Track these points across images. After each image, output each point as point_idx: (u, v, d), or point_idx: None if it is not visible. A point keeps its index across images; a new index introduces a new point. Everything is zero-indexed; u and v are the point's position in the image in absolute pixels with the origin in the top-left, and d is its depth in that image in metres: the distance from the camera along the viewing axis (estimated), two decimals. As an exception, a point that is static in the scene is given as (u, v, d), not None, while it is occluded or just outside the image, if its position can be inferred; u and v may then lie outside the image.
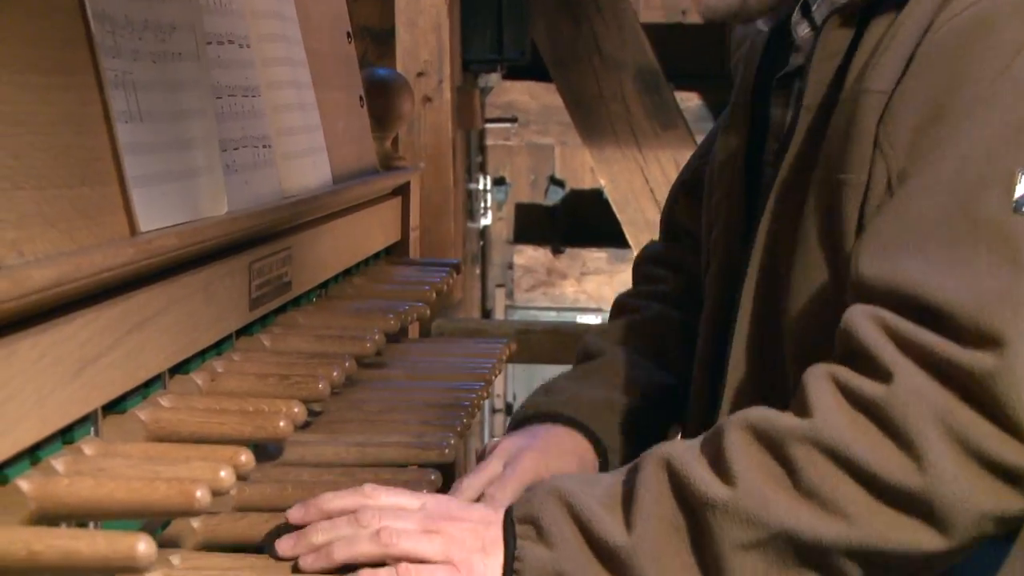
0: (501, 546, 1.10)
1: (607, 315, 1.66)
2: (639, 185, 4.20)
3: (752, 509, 1.05)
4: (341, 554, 1.08)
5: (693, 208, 1.60)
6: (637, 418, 1.46)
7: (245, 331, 1.38)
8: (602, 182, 4.50)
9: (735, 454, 1.07)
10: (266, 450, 1.31)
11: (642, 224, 4.24)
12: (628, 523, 1.08)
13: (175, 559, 1.09)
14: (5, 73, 0.96)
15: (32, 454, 0.92)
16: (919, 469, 1.02)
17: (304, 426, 1.36)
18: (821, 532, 1.04)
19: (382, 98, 2.03)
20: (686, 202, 1.64)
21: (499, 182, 5.55)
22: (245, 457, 1.01)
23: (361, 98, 1.96)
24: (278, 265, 1.44)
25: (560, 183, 5.77)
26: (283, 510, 1.21)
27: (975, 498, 1.02)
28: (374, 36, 3.24)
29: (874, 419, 1.04)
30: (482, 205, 4.71)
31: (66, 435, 0.97)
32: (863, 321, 1.07)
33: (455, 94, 3.26)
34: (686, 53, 5.11)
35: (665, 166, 4.20)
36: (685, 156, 4.35)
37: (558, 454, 1.39)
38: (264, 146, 1.47)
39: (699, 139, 4.31)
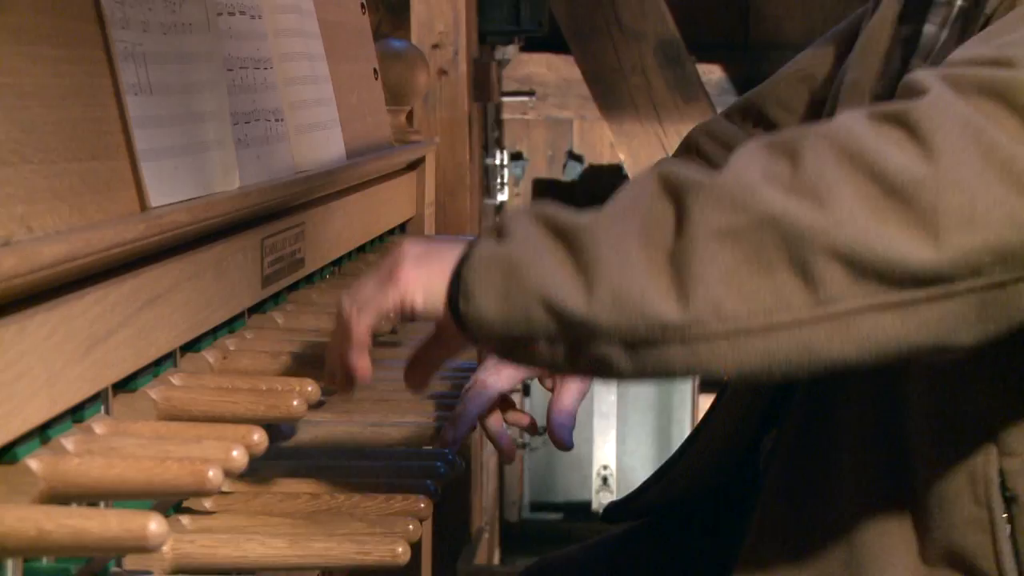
0: (464, 247, 1.04)
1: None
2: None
3: (740, 192, 0.96)
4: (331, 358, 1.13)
5: (798, 95, 1.49)
6: None
7: (257, 309, 1.38)
8: (622, 157, 4.49)
9: (744, 154, 0.99)
10: (279, 430, 1.32)
11: (662, 200, 4.23)
12: (597, 213, 1.00)
13: (185, 520, 1.10)
14: (14, 45, 0.96)
15: (42, 433, 0.92)
16: (928, 159, 0.94)
17: (317, 405, 1.37)
18: (807, 223, 0.94)
19: (397, 71, 2.02)
20: (797, 87, 1.51)
21: (516, 157, 5.54)
22: (258, 436, 1.01)
23: (375, 71, 1.96)
24: (291, 241, 1.44)
25: (579, 158, 5.76)
26: (295, 490, 1.22)
27: (983, 204, 0.93)
28: (389, 7, 3.24)
29: (895, 122, 0.97)
30: (499, 181, 4.70)
31: (76, 413, 0.98)
32: (927, 74, 1.00)
33: (471, 67, 3.25)
34: (708, 24, 5.09)
35: (686, 141, 4.19)
36: (707, 130, 4.32)
37: None
38: (276, 119, 1.47)
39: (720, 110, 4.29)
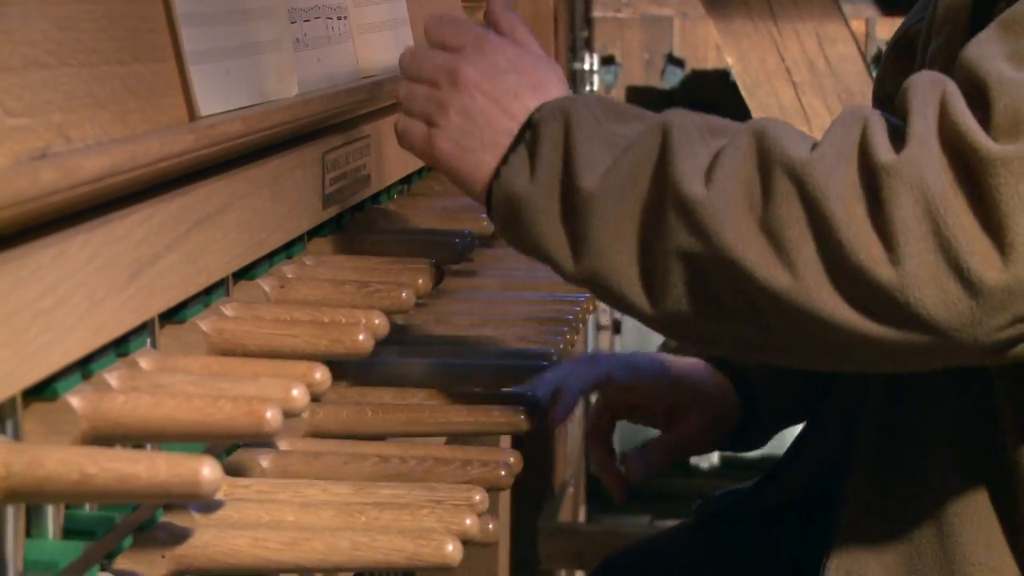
0: (509, 139, 1.21)
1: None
2: (773, 64, 4.15)
3: (710, 222, 1.09)
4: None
5: (901, 77, 1.54)
6: None
7: (318, 231, 1.40)
8: (729, 61, 4.44)
9: (729, 158, 1.11)
10: (342, 367, 1.34)
11: (776, 111, 4.19)
12: (604, 173, 1.15)
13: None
14: (48, -67, 0.97)
15: (83, 367, 0.95)
16: (890, 260, 1.04)
17: (385, 341, 1.38)
18: (763, 273, 1.08)
19: (473, -38, 2.02)
20: (894, 68, 1.56)
21: (608, 61, 5.51)
22: (320, 374, 1.03)
23: (449, -38, 1.96)
24: (355, 156, 1.45)
25: (679, 62, 5.71)
26: (361, 438, 1.24)
27: (923, 293, 1.04)
28: None
29: (867, 185, 1.06)
30: (588, 88, 4.68)
31: (120, 346, 1.00)
32: (923, 82, 1.10)
33: (557, -44, 3.23)
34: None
35: (805, 41, 4.14)
36: (829, 30, 4.30)
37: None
38: (339, 17, 1.48)
39: (846, 8, 4.23)
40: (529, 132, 1.19)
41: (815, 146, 1.09)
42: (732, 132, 1.14)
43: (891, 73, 1.56)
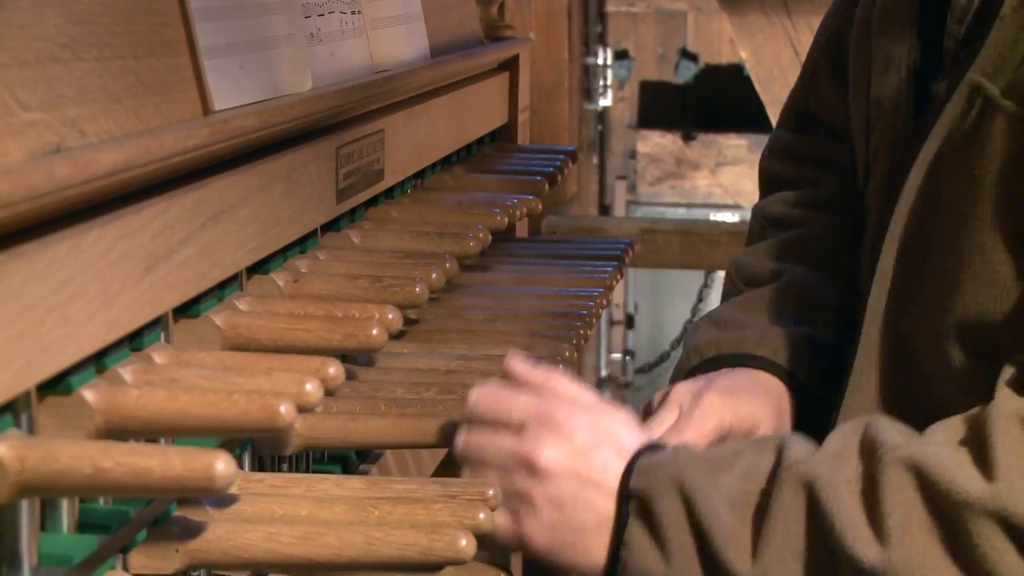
0: (611, 525, 1.12)
1: (746, 212, 1.63)
2: (787, 59, 4.14)
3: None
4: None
5: (834, 88, 1.49)
6: (837, 356, 1.37)
7: (331, 226, 1.40)
8: (743, 56, 4.44)
9: (893, 505, 1.04)
10: (355, 362, 1.34)
11: (790, 106, 4.18)
12: (755, 550, 1.07)
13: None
14: (63, -73, 0.98)
15: (97, 361, 0.95)
16: None
17: (398, 335, 1.39)
18: None
19: (487, -44, 2.02)
20: (828, 78, 1.51)
21: (621, 56, 5.51)
22: (334, 369, 1.03)
23: (463, -44, 1.96)
24: (369, 151, 1.46)
25: (693, 57, 5.70)
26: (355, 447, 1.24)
27: None
28: None
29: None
30: (601, 83, 4.68)
31: (134, 341, 1.00)
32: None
33: (571, -49, 3.23)
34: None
35: (819, 37, 4.13)
36: (843, 25, 4.26)
37: (750, 396, 1.33)
38: (353, 12, 1.48)
39: (860, 5, 4.22)
40: (638, 507, 1.11)
41: (985, 468, 1.03)
42: (856, 454, 1.08)
43: (824, 85, 1.51)
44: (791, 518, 1.07)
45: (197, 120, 1.11)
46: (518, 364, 1.18)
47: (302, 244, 1.32)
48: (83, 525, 0.94)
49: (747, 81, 4.44)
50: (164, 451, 0.86)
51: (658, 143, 5.84)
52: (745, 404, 1.32)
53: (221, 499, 1.05)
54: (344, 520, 1.04)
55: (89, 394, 0.92)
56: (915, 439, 1.08)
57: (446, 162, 1.81)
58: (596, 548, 1.12)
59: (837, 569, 1.05)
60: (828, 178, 1.51)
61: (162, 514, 1.02)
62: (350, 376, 1.28)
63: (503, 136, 2.06)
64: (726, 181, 5.78)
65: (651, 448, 1.13)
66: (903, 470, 1.04)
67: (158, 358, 1.02)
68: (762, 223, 1.52)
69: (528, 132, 2.14)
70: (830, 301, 1.40)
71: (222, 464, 0.84)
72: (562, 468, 1.12)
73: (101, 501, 0.96)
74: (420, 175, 1.70)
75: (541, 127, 3.02)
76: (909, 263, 1.22)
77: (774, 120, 4.40)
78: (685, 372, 1.39)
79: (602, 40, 5.00)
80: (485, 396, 1.15)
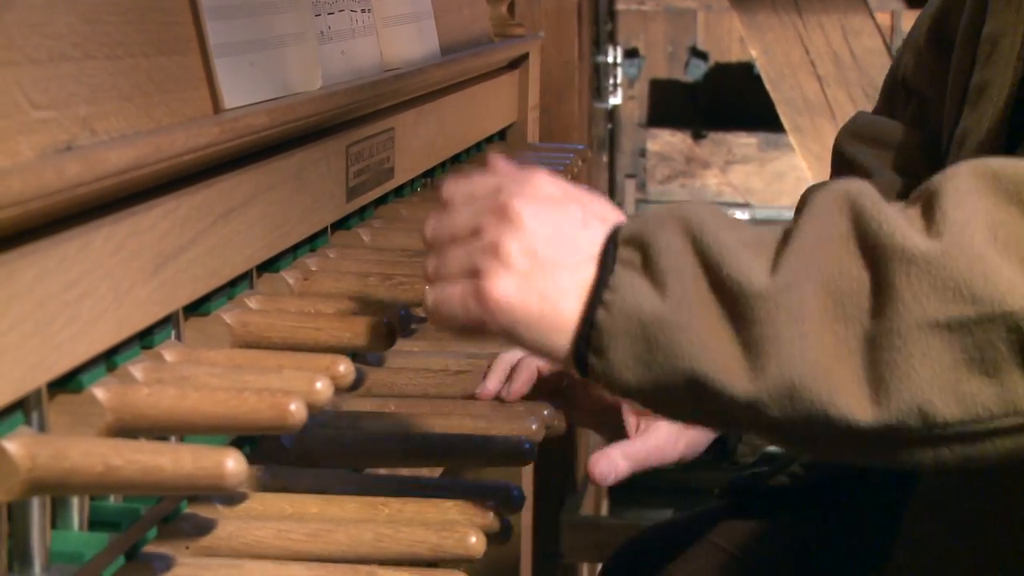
0: (593, 265, 0.95)
1: (756, 211, 1.62)
2: (798, 57, 4.14)
3: (969, 275, 0.87)
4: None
5: (939, 62, 1.38)
6: None
7: (341, 224, 1.41)
8: (753, 54, 4.43)
9: (956, 202, 0.90)
10: (366, 360, 1.34)
11: (800, 104, 4.19)
12: (775, 264, 0.91)
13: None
14: (74, -74, 0.98)
15: (108, 359, 0.95)
16: None
17: (409, 333, 1.39)
18: None
19: (497, -46, 2.03)
20: (931, 52, 1.41)
21: (631, 54, 5.51)
22: (344, 367, 1.03)
23: (473, -46, 1.96)
24: (379, 149, 1.46)
25: (703, 55, 5.70)
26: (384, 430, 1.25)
27: None
28: None
29: None
30: (611, 81, 4.68)
31: (145, 339, 1.00)
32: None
33: (581, -51, 3.23)
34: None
35: (830, 34, 4.13)
36: (855, 22, 4.28)
37: None
38: (363, 10, 1.48)
39: (871, 1, 4.21)
40: (630, 252, 0.94)
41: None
42: (929, 183, 0.93)
43: (927, 58, 1.42)
44: (824, 228, 0.91)
45: (207, 118, 1.12)
46: (496, 158, 1.04)
47: (312, 242, 1.32)
48: (94, 523, 0.94)
49: (757, 79, 4.44)
50: (175, 449, 0.86)
51: (668, 141, 5.84)
52: None
53: (231, 496, 1.05)
54: (354, 517, 1.04)
55: (100, 392, 0.92)
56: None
57: (456, 160, 1.81)
58: (567, 306, 0.94)
59: (882, 274, 0.89)
60: (898, 166, 1.43)
61: (173, 512, 1.02)
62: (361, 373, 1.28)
63: (513, 134, 2.06)
64: (736, 180, 5.78)
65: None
66: (970, 176, 0.91)
67: (168, 356, 1.02)
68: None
69: (538, 130, 2.15)
70: None
71: (232, 462, 0.85)
72: (538, 215, 0.96)
73: (112, 499, 0.97)
74: (430, 173, 1.70)
75: (551, 125, 3.02)
76: None
77: (784, 119, 4.40)
78: None
79: (612, 38, 4.99)
80: (462, 179, 1.01)
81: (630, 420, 1.38)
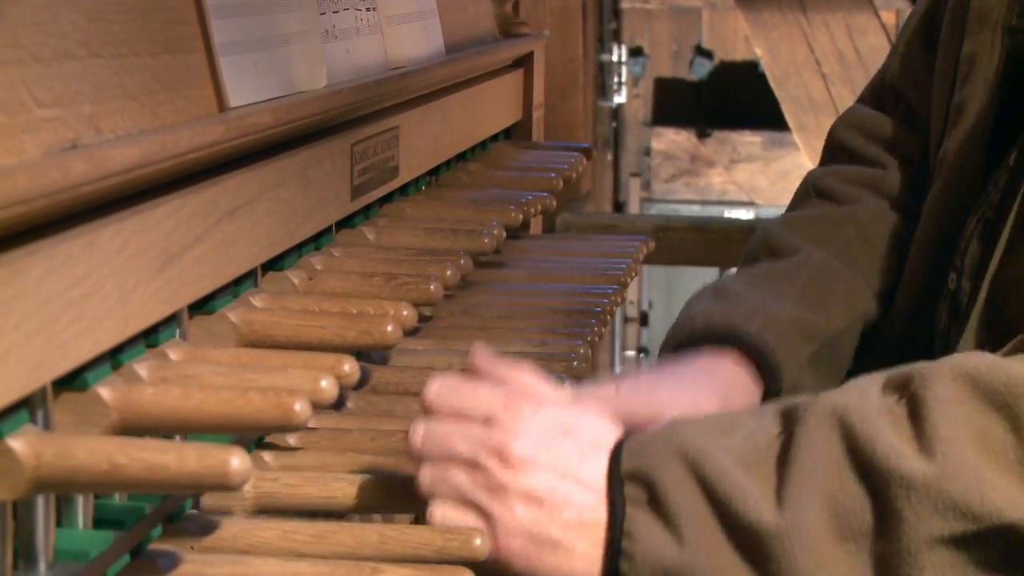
0: (602, 506, 1.00)
1: (760, 210, 1.62)
2: (802, 56, 4.14)
3: (961, 493, 0.93)
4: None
5: (924, 65, 1.40)
6: (839, 355, 1.31)
7: (346, 223, 1.41)
8: (758, 52, 4.44)
9: (942, 415, 0.95)
10: (370, 358, 1.34)
11: (805, 102, 4.18)
12: (779, 496, 0.96)
13: (267, 457, 1.13)
14: (79, -76, 0.98)
15: (113, 358, 0.95)
16: None
17: (413, 332, 1.39)
18: None
19: (502, -48, 2.03)
20: (921, 53, 1.41)
21: (636, 53, 5.51)
22: (349, 366, 1.03)
23: (478, -48, 1.96)
24: (383, 147, 1.46)
25: (707, 54, 5.70)
26: (390, 427, 1.25)
27: None
28: None
29: None
30: (616, 79, 4.68)
31: (149, 337, 1.00)
32: None
33: (586, -53, 3.23)
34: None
35: (835, 33, 4.13)
36: (859, 21, 4.28)
37: (677, 386, 1.22)
38: (368, 9, 1.48)
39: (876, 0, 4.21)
40: (636, 489, 0.99)
41: None
42: (879, 389, 1.00)
43: (917, 60, 1.43)
44: (820, 454, 0.96)
45: (212, 117, 1.12)
46: (481, 357, 1.09)
47: (317, 241, 1.32)
48: (98, 521, 0.94)
49: (762, 78, 4.44)
50: (179, 447, 0.86)
51: (673, 140, 5.84)
52: (668, 393, 1.20)
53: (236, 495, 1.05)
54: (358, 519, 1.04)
55: (104, 391, 0.92)
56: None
57: (461, 159, 1.81)
58: (582, 549, 1.00)
59: (882, 498, 0.95)
60: (895, 165, 1.43)
61: (177, 511, 1.02)
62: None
63: (518, 133, 2.06)
64: (740, 178, 5.78)
65: (632, 438, 1.03)
66: (954, 377, 0.97)
67: (173, 355, 1.02)
68: (809, 191, 1.44)
69: (543, 129, 2.15)
70: (841, 291, 1.33)
71: (237, 460, 0.85)
72: (535, 457, 1.00)
73: (116, 497, 0.97)
74: (435, 172, 1.70)
75: (556, 124, 3.02)
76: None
77: (789, 117, 4.40)
78: (672, 344, 1.30)
79: (617, 37, 4.99)
80: (447, 387, 1.04)
81: None
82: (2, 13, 0.88)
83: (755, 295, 1.30)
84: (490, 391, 1.04)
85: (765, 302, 1.29)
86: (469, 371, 1.09)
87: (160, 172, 0.98)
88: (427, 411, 1.05)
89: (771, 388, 1.26)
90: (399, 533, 0.99)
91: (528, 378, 1.07)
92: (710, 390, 1.22)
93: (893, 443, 0.95)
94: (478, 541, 0.98)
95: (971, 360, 0.98)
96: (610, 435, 1.03)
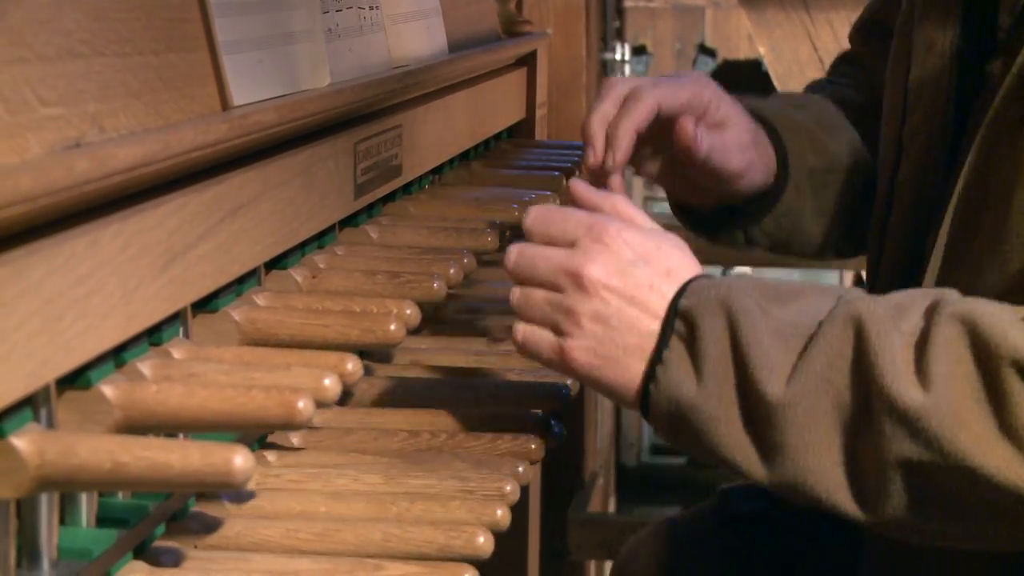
0: (657, 330, 1.10)
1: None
2: (806, 54, 4.13)
3: (939, 429, 1.01)
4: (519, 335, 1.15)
5: (873, 54, 1.55)
6: (834, 169, 1.49)
7: (349, 221, 1.40)
8: (761, 51, 4.43)
9: (941, 353, 1.02)
10: (373, 357, 1.34)
11: (808, 101, 4.17)
12: (791, 375, 1.05)
13: (271, 456, 1.13)
14: (82, -78, 0.98)
15: (116, 356, 0.95)
16: None
17: (416, 331, 1.39)
18: (1009, 476, 1.00)
19: (505, -49, 2.03)
20: (877, 41, 1.55)
21: (639, 51, 5.51)
22: (352, 365, 1.03)
23: (481, -49, 1.96)
24: (387, 146, 1.46)
25: (711, 52, 5.70)
26: (392, 426, 1.25)
27: None
28: None
29: None
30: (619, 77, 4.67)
31: (153, 336, 1.01)
32: None
33: (589, -54, 3.22)
34: None
35: (839, 31, 4.12)
36: (862, 20, 4.26)
37: (692, 83, 1.42)
38: (371, 7, 1.48)
39: None
40: (683, 326, 1.09)
41: None
42: (921, 311, 1.06)
43: (873, 42, 1.56)
44: (833, 348, 1.05)
45: (216, 115, 1.12)
46: (579, 186, 1.19)
47: (320, 239, 1.32)
48: (102, 519, 0.94)
49: (765, 77, 4.44)
50: (183, 446, 0.86)
51: (676, 139, 5.83)
52: (684, 88, 1.40)
53: (239, 494, 1.05)
54: (362, 517, 1.04)
55: (108, 389, 0.92)
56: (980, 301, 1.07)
57: (464, 157, 1.81)
58: (635, 367, 1.10)
59: (870, 406, 1.03)
60: (863, 93, 1.59)
61: (181, 509, 1.02)
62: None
63: (521, 132, 2.06)
64: (744, 177, 5.77)
65: (704, 276, 1.12)
66: (956, 323, 1.03)
67: (176, 353, 1.02)
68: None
69: (546, 128, 2.15)
70: (845, 132, 1.51)
71: (240, 459, 0.85)
72: (607, 282, 1.10)
73: (120, 495, 0.97)
74: (438, 170, 1.70)
75: (559, 122, 3.02)
76: (958, 243, 1.22)
77: (792, 116, 4.40)
78: None
79: (620, 35, 4.99)
80: (541, 213, 1.15)
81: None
82: (6, 12, 0.88)
83: (770, 101, 1.52)
84: (578, 218, 1.13)
85: (766, 102, 1.50)
86: (568, 199, 1.20)
87: (163, 171, 0.98)
88: (525, 236, 1.15)
89: (779, 156, 1.47)
90: (402, 531, 0.99)
91: (620, 205, 1.16)
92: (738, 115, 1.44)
93: (895, 363, 1.03)
94: (481, 539, 0.98)
95: (982, 312, 1.03)
96: (684, 266, 1.12)
